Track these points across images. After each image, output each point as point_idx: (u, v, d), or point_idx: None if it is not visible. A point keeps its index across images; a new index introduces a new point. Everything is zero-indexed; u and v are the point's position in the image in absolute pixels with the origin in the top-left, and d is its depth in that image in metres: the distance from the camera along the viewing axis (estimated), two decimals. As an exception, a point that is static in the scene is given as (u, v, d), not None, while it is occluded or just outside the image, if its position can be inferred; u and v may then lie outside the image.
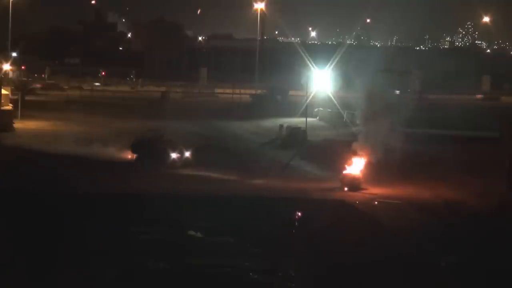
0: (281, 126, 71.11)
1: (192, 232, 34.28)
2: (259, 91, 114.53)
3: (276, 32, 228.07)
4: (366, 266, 29.77)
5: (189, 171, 50.55)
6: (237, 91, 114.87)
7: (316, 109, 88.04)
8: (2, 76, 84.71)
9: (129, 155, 54.62)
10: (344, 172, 47.82)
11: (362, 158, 48.42)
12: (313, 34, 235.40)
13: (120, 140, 58.19)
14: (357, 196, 44.88)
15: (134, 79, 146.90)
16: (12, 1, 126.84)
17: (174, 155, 52.09)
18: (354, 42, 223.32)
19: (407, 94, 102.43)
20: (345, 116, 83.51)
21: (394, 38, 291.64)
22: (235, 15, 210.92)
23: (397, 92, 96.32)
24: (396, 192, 45.55)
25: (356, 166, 48.04)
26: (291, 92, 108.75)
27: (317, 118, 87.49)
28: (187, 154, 52.62)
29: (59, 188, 43.22)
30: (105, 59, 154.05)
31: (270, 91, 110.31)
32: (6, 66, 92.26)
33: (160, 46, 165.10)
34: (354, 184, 46.81)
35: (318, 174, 51.13)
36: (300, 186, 47.11)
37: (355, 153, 48.64)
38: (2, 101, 75.15)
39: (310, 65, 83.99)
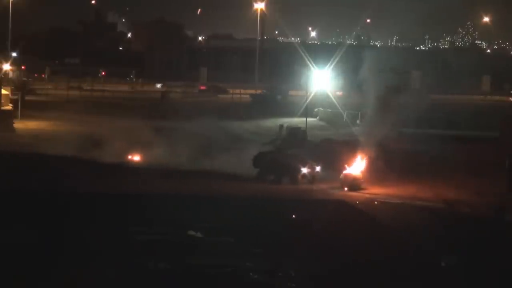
0: (281, 126, 71.17)
1: (192, 232, 34.29)
2: (259, 91, 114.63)
3: (276, 32, 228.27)
4: (367, 266, 29.79)
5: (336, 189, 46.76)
6: (237, 91, 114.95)
7: (316, 109, 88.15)
8: (2, 76, 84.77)
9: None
10: (345, 172, 47.70)
11: (363, 158, 48.38)
12: (313, 34, 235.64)
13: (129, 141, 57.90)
14: (357, 196, 44.86)
15: (134, 79, 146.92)
16: (12, 1, 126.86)
17: (304, 170, 48.41)
18: (354, 42, 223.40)
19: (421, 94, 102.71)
20: (345, 116, 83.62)
21: (394, 38, 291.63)
22: (235, 15, 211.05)
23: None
24: (396, 192, 45.53)
25: (356, 166, 47.93)
26: (291, 92, 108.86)
27: (317, 118, 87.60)
28: (318, 168, 49.09)
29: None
30: (105, 59, 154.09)
31: (270, 91, 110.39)
32: (6, 66, 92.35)
33: (160, 46, 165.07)
34: (354, 184, 46.59)
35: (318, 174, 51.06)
36: (301, 186, 47.10)
37: (355, 153, 48.53)
38: (2, 101, 75.17)
39: (310, 65, 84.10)
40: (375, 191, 45.72)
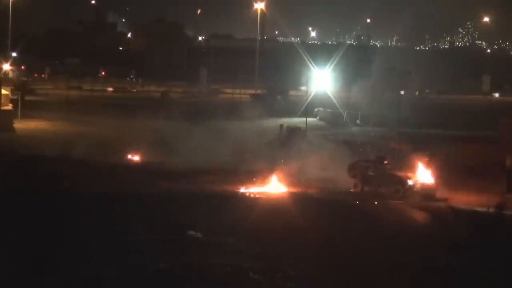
0: (281, 126, 71.22)
1: (192, 232, 34.25)
2: (259, 91, 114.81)
3: (276, 32, 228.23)
4: (366, 266, 29.79)
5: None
6: (237, 91, 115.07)
7: (316, 109, 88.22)
8: (2, 76, 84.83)
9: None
10: (419, 181, 45.03)
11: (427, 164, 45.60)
12: (313, 34, 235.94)
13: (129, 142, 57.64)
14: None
15: (134, 79, 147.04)
16: (12, 1, 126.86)
17: (410, 182, 45.25)
18: (354, 42, 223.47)
19: (412, 94, 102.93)
20: (345, 116, 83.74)
21: (394, 38, 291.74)
22: (235, 15, 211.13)
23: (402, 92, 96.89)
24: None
25: (426, 173, 45.25)
26: (291, 92, 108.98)
27: (317, 118, 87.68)
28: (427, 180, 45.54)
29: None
30: (105, 59, 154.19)
31: (270, 91, 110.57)
32: (6, 66, 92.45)
33: (160, 46, 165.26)
34: (430, 194, 44.20)
35: (319, 174, 50.70)
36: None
37: (422, 158, 45.71)
38: (2, 101, 75.22)
39: (310, 65, 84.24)
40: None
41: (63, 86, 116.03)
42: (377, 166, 46.27)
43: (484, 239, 34.25)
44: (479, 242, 33.75)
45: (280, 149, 61.13)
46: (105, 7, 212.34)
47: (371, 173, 46.18)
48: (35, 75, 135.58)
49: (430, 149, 48.79)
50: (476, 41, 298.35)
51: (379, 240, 33.90)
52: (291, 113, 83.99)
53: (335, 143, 61.94)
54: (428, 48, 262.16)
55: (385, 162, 46.77)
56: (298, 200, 42.46)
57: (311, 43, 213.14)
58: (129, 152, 55.72)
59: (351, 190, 46.43)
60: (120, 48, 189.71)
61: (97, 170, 49.89)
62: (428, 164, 45.64)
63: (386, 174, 45.73)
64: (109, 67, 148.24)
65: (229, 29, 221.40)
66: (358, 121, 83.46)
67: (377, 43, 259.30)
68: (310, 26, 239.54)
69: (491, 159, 52.79)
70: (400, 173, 45.70)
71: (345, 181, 47.36)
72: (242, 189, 45.38)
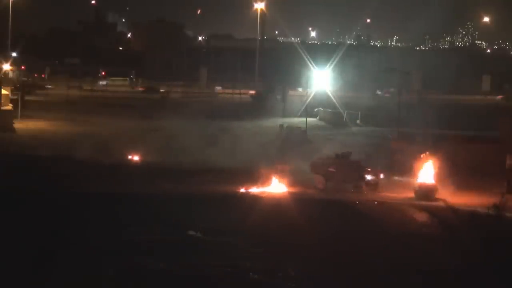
0: (281, 126, 71.24)
1: (192, 232, 34.25)
2: (259, 91, 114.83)
3: (276, 32, 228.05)
4: (366, 266, 29.79)
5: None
6: (237, 91, 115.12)
7: (316, 109, 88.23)
8: (2, 76, 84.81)
9: None
10: (419, 181, 45.06)
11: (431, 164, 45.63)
12: (313, 34, 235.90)
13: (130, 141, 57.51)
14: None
15: (134, 79, 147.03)
16: (12, 1, 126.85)
17: (369, 177, 46.04)
18: (354, 42, 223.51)
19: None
20: (345, 116, 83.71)
21: (394, 38, 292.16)
22: (235, 15, 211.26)
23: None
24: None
25: (428, 174, 45.40)
26: (291, 92, 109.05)
27: (317, 118, 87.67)
28: (382, 175, 46.87)
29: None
30: (105, 59, 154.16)
31: (270, 91, 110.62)
32: (6, 66, 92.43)
33: (160, 46, 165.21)
34: (429, 194, 44.31)
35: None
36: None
37: (424, 159, 45.76)
38: (2, 101, 75.20)
39: (310, 65, 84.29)
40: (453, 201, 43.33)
41: (64, 86, 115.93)
42: (338, 162, 46.75)
43: (483, 239, 34.25)
44: (478, 242, 33.74)
45: (280, 149, 61.15)
46: (105, 7, 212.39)
47: (333, 170, 46.56)
48: (35, 75, 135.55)
49: (431, 149, 48.82)
50: (476, 41, 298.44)
51: (379, 240, 33.92)
52: (291, 113, 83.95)
53: (334, 142, 61.97)
54: (428, 48, 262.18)
55: (348, 158, 47.39)
56: (298, 200, 42.48)
57: (311, 43, 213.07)
58: (129, 152, 55.67)
59: (318, 187, 46.45)
60: (120, 48, 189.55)
61: (97, 170, 49.85)
62: (428, 164, 45.72)
63: (346, 170, 46.24)
64: (109, 67, 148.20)
65: (229, 29, 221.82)
66: (358, 121, 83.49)
67: (377, 43, 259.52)
68: (310, 26, 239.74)
69: (492, 159, 52.73)
70: (360, 169, 46.22)
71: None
72: (242, 189, 45.31)
